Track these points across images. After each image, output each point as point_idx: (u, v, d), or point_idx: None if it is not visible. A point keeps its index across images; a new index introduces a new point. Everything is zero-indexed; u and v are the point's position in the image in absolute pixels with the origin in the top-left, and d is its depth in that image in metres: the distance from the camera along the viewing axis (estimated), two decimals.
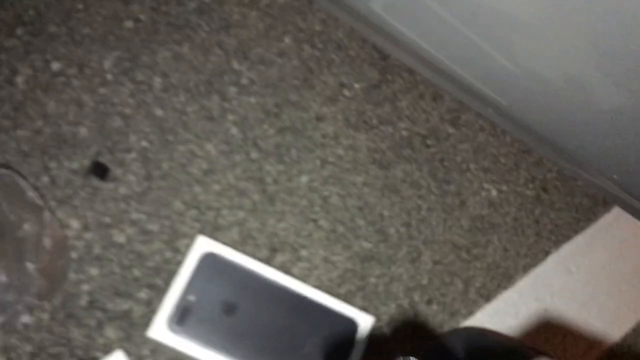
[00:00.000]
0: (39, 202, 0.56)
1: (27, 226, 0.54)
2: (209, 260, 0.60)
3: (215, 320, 0.57)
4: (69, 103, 0.69)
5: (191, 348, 0.56)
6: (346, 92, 0.79)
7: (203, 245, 0.58)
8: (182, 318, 0.54)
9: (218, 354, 0.57)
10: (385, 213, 0.71)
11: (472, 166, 0.77)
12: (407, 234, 0.74)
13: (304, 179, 0.72)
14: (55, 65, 0.70)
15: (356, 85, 0.80)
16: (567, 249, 0.78)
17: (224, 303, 0.57)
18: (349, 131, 0.74)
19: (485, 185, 0.79)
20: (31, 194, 0.57)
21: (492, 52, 0.68)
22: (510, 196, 0.76)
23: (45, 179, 0.65)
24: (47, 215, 0.56)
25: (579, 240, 0.80)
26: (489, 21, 0.64)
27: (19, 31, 0.70)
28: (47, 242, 0.55)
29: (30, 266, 0.54)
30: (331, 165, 0.71)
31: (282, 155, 0.73)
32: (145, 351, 0.58)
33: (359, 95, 0.78)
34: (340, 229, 0.71)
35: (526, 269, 0.76)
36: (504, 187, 0.78)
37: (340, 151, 0.76)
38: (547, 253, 0.78)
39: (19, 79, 0.69)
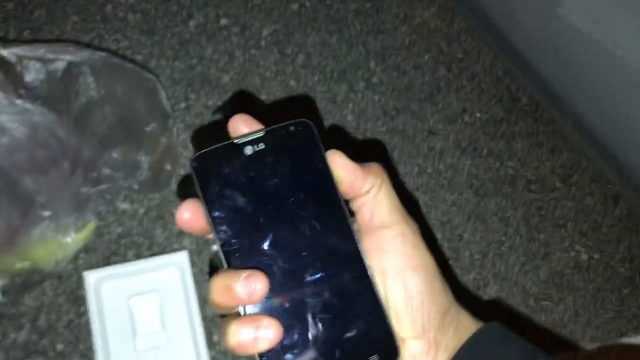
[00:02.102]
0: (169, 110, 0.79)
1: (153, 125, 0.75)
2: None
3: None
4: (223, 53, 0.97)
5: None
6: (466, 118, 1.01)
7: None
8: None
9: None
10: (465, 236, 0.86)
11: (569, 224, 0.89)
12: (480, 263, 0.91)
13: (397, 179, 0.95)
14: (224, 21, 1.01)
15: (477, 115, 1.02)
16: None
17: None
18: (456, 152, 0.91)
19: (577, 247, 0.90)
20: (165, 102, 0.77)
21: None
22: (601, 267, 0.87)
23: (182, 105, 0.93)
24: (171, 123, 0.83)
25: None
26: None
27: None
28: (163, 144, 0.83)
29: (143, 158, 0.74)
30: (427, 175, 0.88)
31: (384, 153, 0.97)
32: (208, 267, 0.78)
33: (477, 124, 0.94)
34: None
35: (594, 340, 0.90)
36: (597, 255, 0.88)
37: (441, 167, 0.93)
38: (622, 334, 0.91)
39: (192, 23, 1.00)
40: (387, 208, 0.38)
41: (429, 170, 0.89)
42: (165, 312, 0.73)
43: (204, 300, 0.76)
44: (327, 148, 0.38)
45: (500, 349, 0.37)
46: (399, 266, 0.37)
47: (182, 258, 0.74)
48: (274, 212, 0.36)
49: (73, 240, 0.68)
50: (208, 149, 0.37)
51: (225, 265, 0.35)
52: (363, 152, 0.90)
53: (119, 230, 0.79)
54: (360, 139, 0.90)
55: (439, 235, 0.86)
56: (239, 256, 0.35)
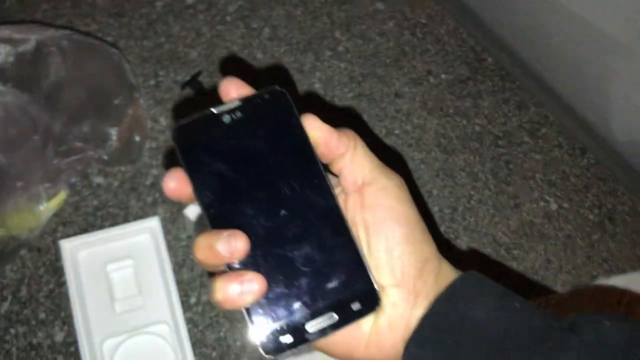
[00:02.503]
0: (134, 82, 0.79)
1: (119, 98, 0.77)
2: None
3: None
4: (190, 30, 0.99)
5: None
6: (431, 79, 1.02)
7: None
8: None
9: None
10: (435, 192, 0.88)
11: (538, 176, 0.91)
12: (450, 217, 0.92)
13: (366, 140, 0.96)
14: (190, 0, 1.06)
15: (443, 76, 1.03)
16: (617, 281, 0.92)
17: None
18: (422, 113, 0.92)
19: (546, 197, 0.92)
20: (130, 74, 0.79)
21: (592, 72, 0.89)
22: (571, 214, 0.89)
23: (152, 82, 0.94)
24: (137, 94, 0.79)
25: (634, 278, 0.87)
26: (592, 44, 0.85)
27: None
28: (130, 116, 0.84)
29: (111, 130, 0.76)
30: (395, 136, 0.90)
31: (352, 117, 0.99)
32: (182, 234, 0.80)
33: (442, 85, 0.95)
34: None
35: (564, 285, 0.92)
36: (566, 204, 0.91)
37: (409, 127, 0.95)
38: (593, 277, 0.93)
39: (159, 4, 1.02)
40: (367, 166, 0.39)
41: (397, 131, 0.92)
42: (141, 276, 0.76)
43: (178, 265, 0.79)
44: (300, 114, 0.39)
45: (477, 295, 0.38)
46: (380, 218, 0.38)
47: (154, 224, 0.77)
48: (254, 176, 0.38)
49: (45, 208, 0.71)
50: (188, 119, 0.38)
51: (210, 227, 0.37)
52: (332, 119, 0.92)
53: (95, 203, 0.82)
54: (329, 106, 0.92)
55: None
56: (222, 218, 0.37)
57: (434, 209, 0.88)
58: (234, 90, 0.39)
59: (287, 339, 0.36)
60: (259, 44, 0.95)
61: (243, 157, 0.38)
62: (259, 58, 0.94)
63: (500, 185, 0.90)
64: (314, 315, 0.37)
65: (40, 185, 0.72)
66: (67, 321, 0.75)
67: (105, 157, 0.77)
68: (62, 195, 0.75)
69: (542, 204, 0.90)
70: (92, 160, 0.77)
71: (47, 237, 0.79)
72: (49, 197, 0.73)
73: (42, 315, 0.76)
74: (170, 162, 0.84)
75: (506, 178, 0.91)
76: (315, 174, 0.38)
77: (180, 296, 0.76)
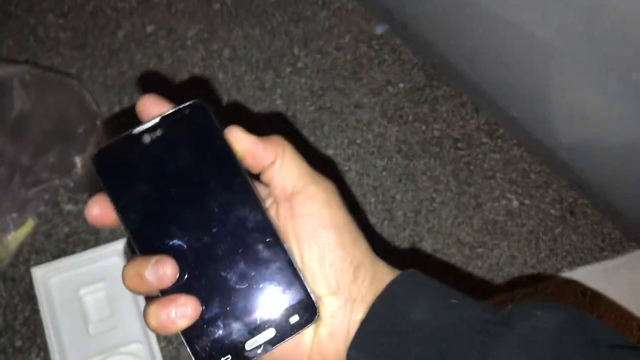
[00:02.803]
0: (96, 110, 0.82)
1: (82, 127, 0.79)
2: None
3: None
4: (152, 56, 1.02)
5: None
6: (390, 89, 1.06)
7: None
8: None
9: None
10: (398, 197, 0.91)
11: (498, 175, 0.94)
12: (414, 220, 0.95)
13: (329, 152, 0.99)
14: (150, 28, 1.07)
15: (401, 85, 1.06)
16: (581, 272, 0.94)
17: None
18: (382, 121, 0.95)
19: (508, 195, 0.96)
20: (91, 103, 0.82)
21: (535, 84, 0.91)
22: (532, 210, 0.91)
23: (117, 108, 0.99)
24: (99, 123, 0.83)
25: (597, 268, 0.88)
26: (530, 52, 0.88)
27: None
28: (93, 143, 0.88)
29: (75, 158, 0.78)
30: (357, 146, 0.93)
31: (314, 129, 1.00)
32: None
33: (401, 93, 0.99)
34: (350, 201, 0.91)
35: (530, 280, 0.94)
36: (527, 201, 0.93)
37: (370, 136, 0.99)
38: (557, 270, 0.95)
39: (120, 33, 1.06)
40: (295, 174, 0.39)
41: (358, 140, 0.94)
42: (113, 298, 0.78)
43: None
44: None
45: (414, 294, 0.38)
46: (310, 227, 0.38)
47: (122, 246, 0.79)
48: (179, 195, 0.37)
49: (13, 237, 0.73)
50: (107, 143, 0.38)
51: (138, 253, 0.36)
52: (294, 135, 0.95)
53: (66, 229, 0.84)
54: (292, 120, 0.95)
55: (372, 199, 0.91)
56: (149, 242, 0.36)
57: (398, 214, 0.90)
58: (151, 108, 0.39)
59: (227, 359, 0.36)
60: (219, 65, 0.98)
61: (166, 177, 0.38)
62: (221, 78, 0.96)
63: (461, 186, 0.93)
64: (252, 333, 0.37)
65: (7, 215, 0.74)
66: (44, 347, 0.77)
67: (72, 185, 0.80)
68: (29, 223, 0.78)
69: (503, 202, 0.93)
70: (60, 188, 0.80)
71: (21, 266, 0.81)
72: (17, 227, 0.75)
73: (18, 343, 0.77)
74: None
75: (467, 179, 0.94)
76: (242, 188, 0.38)
77: None
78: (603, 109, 0.74)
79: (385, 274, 0.40)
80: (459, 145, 0.96)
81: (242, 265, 0.37)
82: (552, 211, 0.93)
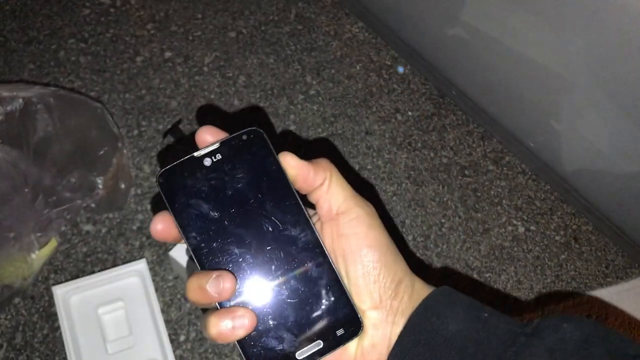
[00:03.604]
0: (117, 133, 0.85)
1: (104, 148, 0.81)
2: None
3: None
4: (170, 82, 1.06)
5: None
6: (399, 117, 1.08)
7: None
8: None
9: None
10: (407, 222, 0.97)
11: (504, 202, 0.96)
12: (424, 245, 0.97)
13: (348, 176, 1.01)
14: (168, 54, 1.10)
15: (409, 113, 1.09)
16: (587, 299, 0.96)
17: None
18: (392, 148, 0.98)
19: (514, 222, 0.98)
20: (113, 125, 0.83)
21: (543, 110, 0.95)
22: (538, 236, 0.94)
23: (135, 132, 1.00)
24: (120, 145, 0.86)
25: (601, 294, 0.90)
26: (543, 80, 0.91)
27: (149, 26, 1.12)
28: (115, 165, 0.89)
29: (97, 179, 0.80)
30: (367, 171, 0.96)
31: (327, 155, 1.03)
32: (169, 275, 0.83)
33: (409, 121, 1.03)
34: None
35: (538, 304, 0.96)
36: (533, 227, 0.96)
37: (380, 162, 1.02)
38: (564, 296, 0.97)
39: (138, 59, 1.09)
40: (341, 196, 0.41)
41: (369, 166, 0.97)
42: (131, 317, 0.79)
43: (166, 305, 0.82)
44: (278, 152, 0.41)
45: (448, 308, 0.40)
46: (355, 246, 0.40)
47: (141, 266, 0.81)
48: (237, 214, 0.40)
49: (37, 256, 0.74)
50: (171, 164, 0.40)
51: (199, 268, 0.39)
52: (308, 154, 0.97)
53: (85, 249, 0.85)
54: (304, 142, 0.97)
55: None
56: (209, 258, 0.39)
57: (408, 238, 0.92)
58: (209, 137, 0.41)
59: None
60: (235, 92, 1.00)
61: (225, 197, 0.40)
62: (236, 105, 0.99)
63: (469, 212, 0.95)
64: (302, 344, 0.39)
65: (31, 234, 0.75)
66: None
67: (93, 205, 0.81)
68: (53, 242, 0.79)
69: (510, 228, 0.95)
70: (81, 209, 0.81)
71: (40, 284, 0.82)
72: (41, 246, 0.76)
73: None
74: (156, 206, 0.88)
75: (474, 205, 0.96)
76: (294, 209, 0.41)
77: (170, 334, 0.79)
78: (611, 139, 0.76)
79: (422, 290, 0.42)
80: (466, 172, 0.99)
81: (293, 281, 0.40)
82: (557, 237, 0.95)
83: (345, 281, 0.41)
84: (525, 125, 0.91)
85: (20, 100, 0.83)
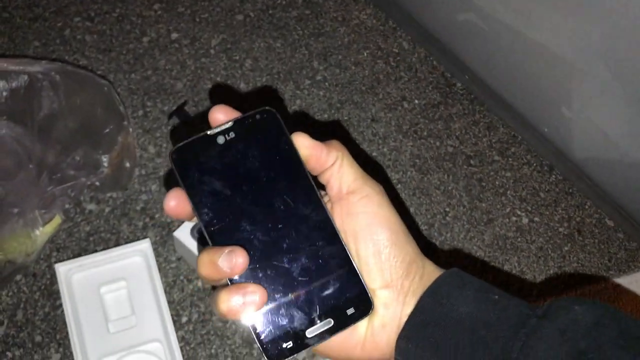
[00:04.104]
0: (123, 111, 0.83)
1: (110, 127, 0.81)
2: None
3: None
4: (176, 63, 1.04)
5: None
6: (405, 105, 1.08)
7: None
8: None
9: None
10: (412, 210, 0.95)
11: (509, 192, 0.95)
12: (428, 233, 0.97)
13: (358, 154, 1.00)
14: (174, 35, 1.09)
15: (416, 101, 1.09)
16: (589, 290, 0.96)
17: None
18: (398, 136, 0.97)
19: (518, 212, 0.97)
20: (119, 105, 0.83)
21: (553, 95, 0.94)
22: (542, 228, 0.93)
23: (140, 112, 0.97)
24: (126, 123, 0.82)
25: (604, 286, 0.90)
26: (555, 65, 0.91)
27: (156, 6, 1.10)
28: (120, 143, 0.88)
29: (102, 157, 0.79)
30: (373, 159, 1.01)
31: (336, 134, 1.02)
32: (172, 256, 0.83)
33: (416, 109, 1.01)
34: None
35: (539, 295, 0.96)
36: (537, 218, 0.95)
37: (385, 150, 1.00)
38: (565, 288, 0.97)
39: (145, 39, 1.07)
40: (351, 176, 0.41)
41: (374, 153, 0.96)
42: (133, 297, 0.79)
43: (169, 286, 0.82)
44: (290, 132, 0.41)
45: (459, 290, 0.40)
46: (366, 224, 0.40)
47: (145, 246, 0.80)
48: (249, 192, 0.40)
49: (41, 232, 0.73)
50: (184, 141, 0.40)
51: (210, 244, 0.39)
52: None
53: (87, 228, 0.84)
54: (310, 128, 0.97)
55: None
56: (221, 234, 0.39)
57: (412, 226, 0.92)
58: (222, 116, 0.41)
59: (288, 344, 0.38)
60: (241, 75, 0.99)
61: (238, 175, 0.40)
62: (242, 88, 0.98)
63: (473, 202, 0.95)
64: (312, 322, 0.39)
65: (35, 211, 0.74)
66: (63, 343, 0.77)
67: (97, 184, 0.80)
68: (57, 219, 0.78)
69: (514, 218, 0.95)
70: (85, 187, 0.80)
71: (42, 262, 0.81)
72: (45, 222, 0.76)
73: (38, 338, 0.77)
74: (162, 187, 0.88)
75: (479, 195, 0.95)
76: (306, 188, 0.41)
77: (172, 315, 0.78)
78: (622, 125, 0.76)
79: (433, 271, 0.42)
80: (472, 162, 0.98)
81: (304, 259, 0.40)
82: (561, 229, 0.95)
83: (355, 260, 0.40)
84: (539, 110, 0.91)
85: (26, 77, 0.82)
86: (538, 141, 0.98)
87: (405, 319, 0.40)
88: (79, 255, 0.82)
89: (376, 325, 0.40)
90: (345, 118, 0.98)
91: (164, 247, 0.84)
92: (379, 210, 0.41)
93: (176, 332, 0.77)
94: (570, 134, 0.86)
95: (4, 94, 0.82)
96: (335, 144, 0.42)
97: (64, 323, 0.76)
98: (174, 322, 0.78)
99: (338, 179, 0.42)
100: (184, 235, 0.78)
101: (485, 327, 0.39)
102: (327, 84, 1.01)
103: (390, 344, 0.40)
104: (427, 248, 0.90)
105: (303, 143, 0.41)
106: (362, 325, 0.41)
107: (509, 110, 0.97)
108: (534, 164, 1.00)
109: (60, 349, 0.77)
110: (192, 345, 0.79)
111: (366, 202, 0.41)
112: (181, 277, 0.82)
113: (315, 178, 0.42)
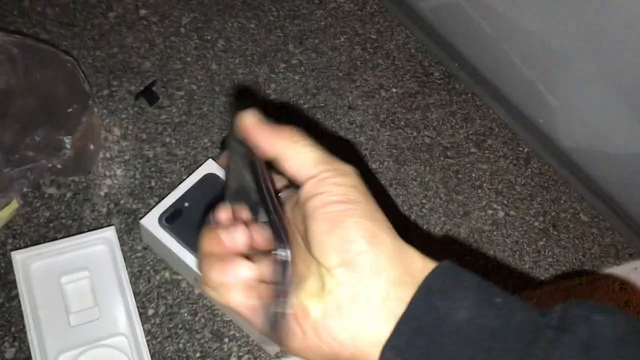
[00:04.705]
0: (88, 90, 0.78)
1: (73, 106, 0.75)
2: (210, 179, 0.76)
3: (198, 226, 0.76)
4: (144, 41, 0.98)
5: (172, 244, 0.71)
6: (383, 93, 1.05)
7: (210, 166, 0.76)
8: (172, 217, 0.72)
9: (192, 253, 0.71)
10: (388, 201, 0.96)
11: (485, 185, 0.94)
12: (403, 225, 0.96)
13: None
14: (143, 11, 1.02)
15: (394, 90, 1.06)
16: (564, 286, 0.96)
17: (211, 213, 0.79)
18: (375, 125, 0.94)
19: (494, 205, 0.96)
20: (84, 83, 0.78)
21: (535, 81, 0.92)
22: (517, 222, 0.92)
23: (105, 92, 0.91)
24: (91, 103, 0.76)
25: (579, 282, 0.89)
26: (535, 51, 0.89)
27: None
28: (84, 124, 0.83)
29: (64, 138, 0.74)
30: (350, 147, 1.00)
31: (307, 127, 0.99)
32: (138, 245, 0.78)
33: (393, 98, 0.99)
34: None
35: (515, 289, 0.95)
36: (513, 212, 0.94)
37: (362, 139, 0.98)
38: (541, 283, 0.97)
39: (111, 15, 1.01)
40: (312, 159, 0.41)
41: (351, 142, 0.93)
42: (96, 288, 0.74)
43: (135, 277, 0.77)
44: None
45: (455, 290, 0.36)
46: (323, 203, 0.39)
47: (109, 234, 0.75)
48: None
49: None
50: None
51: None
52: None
53: (47, 214, 0.79)
54: (285, 114, 0.93)
55: None
56: None
57: (388, 218, 0.88)
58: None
59: None
60: (213, 55, 0.94)
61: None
62: (214, 69, 0.93)
63: (450, 194, 0.92)
64: None
65: None
66: (18, 336, 0.71)
67: (59, 166, 0.75)
68: (14, 204, 0.72)
69: (490, 212, 0.93)
70: (46, 169, 0.74)
71: None
72: (1, 207, 0.70)
73: None
74: (125, 172, 0.82)
75: (455, 187, 0.93)
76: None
77: (138, 307, 0.73)
78: (609, 115, 0.75)
79: (414, 256, 0.39)
80: (449, 153, 0.96)
81: None
82: (536, 224, 0.94)
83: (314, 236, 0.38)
84: (524, 97, 0.89)
85: None
86: (522, 129, 0.97)
87: (373, 297, 0.36)
88: (37, 242, 0.76)
89: (330, 304, 0.37)
90: (322, 104, 0.94)
91: (130, 235, 0.79)
92: (337, 189, 0.39)
93: (142, 325, 0.73)
94: (556, 121, 0.84)
95: None
96: (289, 128, 0.41)
97: (21, 315, 0.70)
98: (140, 314, 0.73)
99: (297, 163, 0.40)
100: (152, 222, 0.73)
101: (491, 337, 0.34)
102: (302, 68, 0.97)
103: (358, 329, 0.36)
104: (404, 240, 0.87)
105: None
106: (314, 307, 0.37)
107: (492, 95, 0.96)
108: (510, 157, 0.98)
109: (16, 343, 0.71)
110: (159, 339, 0.74)
111: (325, 183, 0.39)
112: (147, 268, 0.78)
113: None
